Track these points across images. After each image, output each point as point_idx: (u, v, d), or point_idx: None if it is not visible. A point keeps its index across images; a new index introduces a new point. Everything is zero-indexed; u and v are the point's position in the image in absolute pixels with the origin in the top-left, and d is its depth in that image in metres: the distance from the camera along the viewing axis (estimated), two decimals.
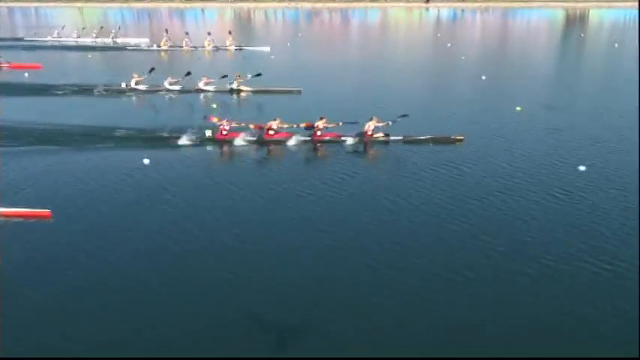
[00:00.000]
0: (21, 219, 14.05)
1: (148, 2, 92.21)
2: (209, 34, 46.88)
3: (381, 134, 19.37)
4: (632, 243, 12.62)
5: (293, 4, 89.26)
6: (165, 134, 19.85)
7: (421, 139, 19.45)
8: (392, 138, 19.40)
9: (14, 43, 46.90)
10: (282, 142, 19.49)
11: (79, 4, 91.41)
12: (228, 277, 11.23)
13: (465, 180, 16.12)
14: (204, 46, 45.57)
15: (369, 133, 19.30)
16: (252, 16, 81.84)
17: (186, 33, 46.77)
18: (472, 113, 24.53)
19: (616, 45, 50.95)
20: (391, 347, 9.26)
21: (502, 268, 11.64)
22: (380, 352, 9.13)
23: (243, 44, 45.93)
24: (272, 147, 19.50)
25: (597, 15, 78.61)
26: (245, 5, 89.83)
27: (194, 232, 13.04)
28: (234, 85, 27.32)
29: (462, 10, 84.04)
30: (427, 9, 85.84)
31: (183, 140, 19.42)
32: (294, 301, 10.45)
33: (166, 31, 47.88)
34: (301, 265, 11.66)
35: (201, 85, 27.60)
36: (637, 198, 14.85)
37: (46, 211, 14.27)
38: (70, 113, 23.76)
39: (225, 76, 27.60)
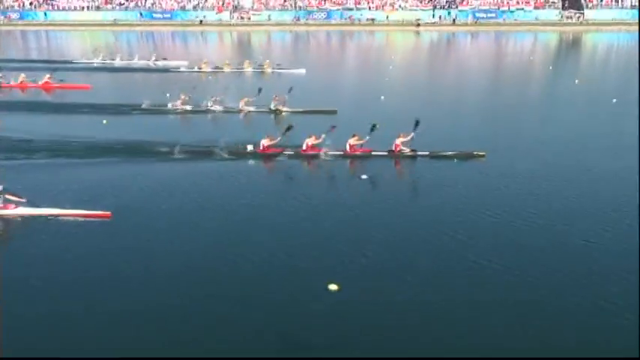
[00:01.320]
0: (84, 219, 16.57)
1: (150, 26, 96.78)
2: (249, 58, 49.56)
3: (408, 149, 21.57)
4: (633, 244, 14.38)
5: (288, 27, 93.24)
6: (212, 148, 22.50)
7: (445, 155, 21.57)
8: (418, 153, 21.68)
9: (64, 66, 50.23)
10: (317, 157, 21.91)
11: (81, 29, 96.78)
12: (268, 285, 13.00)
13: (488, 194, 18.19)
14: (242, 69, 48.08)
15: (397, 148, 21.52)
16: (250, 39, 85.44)
17: (227, 61, 49.20)
18: (494, 130, 26.53)
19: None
20: None
21: (513, 277, 13.22)
22: None
23: (279, 67, 48.29)
24: (308, 161, 21.97)
25: (591, 38, 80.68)
26: (243, 29, 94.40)
27: (240, 237, 15.36)
28: (273, 106, 29.85)
29: (453, 34, 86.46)
30: (418, 32, 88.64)
31: (228, 154, 21.99)
32: (325, 316, 11.83)
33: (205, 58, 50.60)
34: (327, 272, 13.26)
35: (242, 104, 30.20)
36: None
37: (106, 213, 16.80)
38: (120, 129, 26.70)
39: (260, 90, 30.79)
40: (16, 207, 17.14)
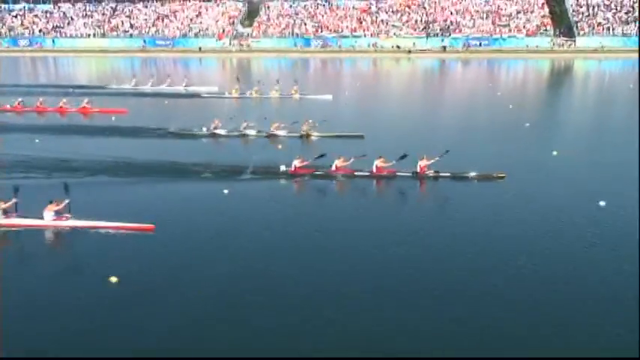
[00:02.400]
0: (128, 231, 18.52)
1: (150, 53, 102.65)
2: (277, 81, 51.59)
3: (431, 171, 23.22)
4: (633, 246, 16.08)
5: (286, 54, 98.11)
6: (247, 169, 24.58)
7: (467, 176, 23.18)
8: (441, 174, 23.35)
9: (98, 91, 52.83)
10: (346, 177, 23.71)
11: (88, 54, 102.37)
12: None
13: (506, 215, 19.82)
14: (270, 95, 50.08)
15: (421, 170, 23.18)
16: (251, 65, 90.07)
17: (258, 81, 51.42)
18: (513, 153, 28.29)
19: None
20: None
21: (521, 288, 14.69)
22: None
23: (306, 93, 50.09)
24: (337, 181, 23.84)
25: (583, 65, 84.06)
26: (243, 55, 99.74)
27: (274, 249, 17.24)
28: (303, 130, 31.75)
29: (443, 61, 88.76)
30: (409, 59, 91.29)
31: (262, 174, 24.07)
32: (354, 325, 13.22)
33: (237, 79, 52.84)
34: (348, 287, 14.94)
35: (272, 129, 32.15)
36: None
37: (149, 225, 18.68)
38: (158, 151, 28.82)
39: (265, 118, 33.31)
40: (67, 219, 19.06)
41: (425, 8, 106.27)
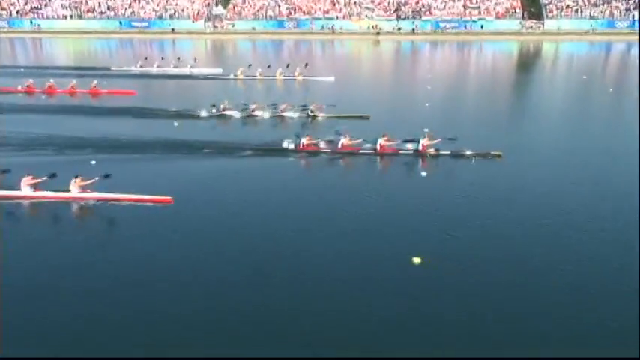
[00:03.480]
0: (147, 204, 20.27)
1: (126, 34, 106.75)
2: (288, 65, 53.19)
3: (432, 150, 24.93)
4: (634, 247, 16.69)
5: (259, 37, 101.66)
6: (258, 147, 26.48)
7: (465, 154, 24.92)
8: (441, 152, 25.14)
9: (104, 72, 54.38)
10: (351, 155, 25.50)
11: (62, 36, 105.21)
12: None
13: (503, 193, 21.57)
14: (275, 76, 51.65)
15: (423, 148, 24.91)
16: (236, 47, 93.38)
17: (269, 66, 52.83)
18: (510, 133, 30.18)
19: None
20: None
21: (518, 274, 15.40)
22: None
23: (308, 75, 51.64)
24: (343, 158, 25.68)
25: (554, 48, 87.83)
26: (217, 37, 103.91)
27: (287, 219, 19.00)
28: (310, 111, 33.46)
29: (412, 42, 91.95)
30: (378, 42, 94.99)
31: (272, 150, 26.03)
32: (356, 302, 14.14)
33: (249, 65, 54.24)
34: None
35: (282, 109, 33.97)
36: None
37: (168, 198, 20.48)
38: (171, 131, 30.65)
39: (304, 106, 34.54)
40: (91, 192, 20.81)
41: None
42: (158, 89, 49.20)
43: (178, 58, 59.82)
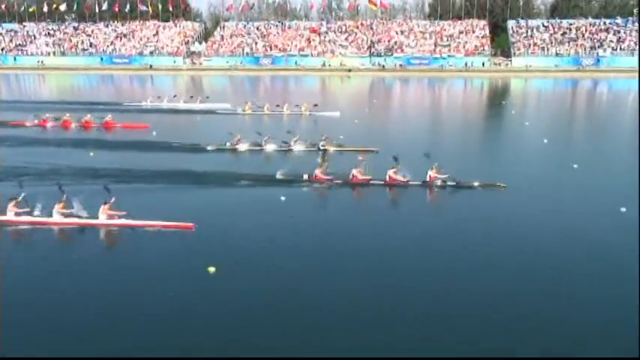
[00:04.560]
0: (172, 229, 21.61)
1: (106, 70, 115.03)
2: (296, 105, 55.21)
3: (439, 181, 26.46)
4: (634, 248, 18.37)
5: (235, 73, 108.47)
6: (275, 177, 28.19)
7: (471, 185, 26.47)
8: (448, 183, 26.75)
9: (115, 107, 56.28)
10: (362, 185, 27.21)
11: (40, 72, 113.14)
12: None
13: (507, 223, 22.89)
14: (283, 111, 53.49)
15: (430, 179, 26.48)
16: (201, 81, 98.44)
17: (277, 105, 54.89)
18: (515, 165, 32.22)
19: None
20: None
21: (517, 285, 16.57)
22: None
23: (315, 110, 53.47)
24: (355, 189, 27.35)
25: (520, 84, 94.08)
26: (195, 73, 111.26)
27: (306, 248, 20.04)
28: (321, 145, 35.10)
29: (383, 79, 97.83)
30: (349, 77, 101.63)
31: (287, 182, 27.65)
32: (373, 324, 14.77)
33: (255, 101, 56.24)
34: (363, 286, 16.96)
35: (292, 143, 35.63)
36: None
37: (189, 224, 21.81)
38: (187, 162, 32.29)
39: (259, 133, 36.90)
40: (118, 219, 22.25)
41: (372, 29, 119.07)
42: (170, 124, 51.14)
43: (191, 96, 62.04)
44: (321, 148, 35.13)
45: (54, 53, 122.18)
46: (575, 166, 31.08)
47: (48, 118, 46.77)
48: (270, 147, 36.14)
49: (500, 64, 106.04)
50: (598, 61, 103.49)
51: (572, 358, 12.63)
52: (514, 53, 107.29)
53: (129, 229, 21.91)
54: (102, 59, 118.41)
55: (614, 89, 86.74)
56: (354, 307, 15.60)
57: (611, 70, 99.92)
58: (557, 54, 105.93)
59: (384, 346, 13.74)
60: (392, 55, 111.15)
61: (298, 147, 35.76)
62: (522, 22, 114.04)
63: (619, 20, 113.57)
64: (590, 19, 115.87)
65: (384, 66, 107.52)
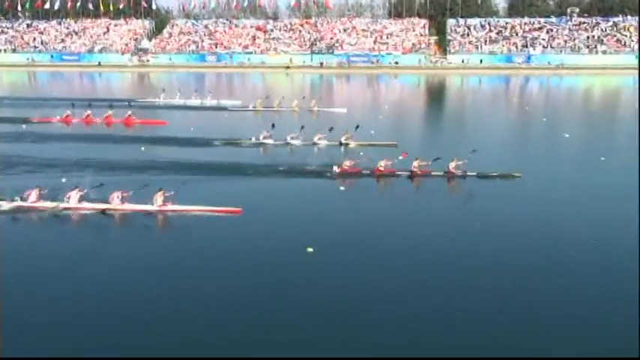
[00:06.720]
0: (217, 214, 24.11)
1: (56, 67, 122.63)
2: (303, 97, 58.50)
3: (460, 171, 29.27)
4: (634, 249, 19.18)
5: (189, 69, 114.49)
6: (305, 168, 31.11)
7: (489, 175, 29.35)
8: (468, 173, 29.58)
9: (132, 104, 58.57)
10: (388, 176, 30.10)
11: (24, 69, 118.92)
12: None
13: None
14: (292, 108, 55.97)
15: (451, 170, 29.29)
16: (149, 78, 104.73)
17: (283, 97, 57.72)
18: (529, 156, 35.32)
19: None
20: None
21: (524, 280, 17.27)
22: None
23: (323, 107, 56.19)
24: (381, 180, 30.17)
25: (457, 80, 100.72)
26: (143, 70, 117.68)
27: (339, 233, 22.54)
28: (343, 140, 37.83)
29: (321, 76, 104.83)
30: (287, 74, 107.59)
31: (318, 174, 30.56)
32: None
33: (267, 97, 59.12)
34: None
35: (315, 139, 38.42)
36: None
37: (237, 209, 24.38)
38: (216, 155, 35.09)
39: (273, 125, 40.00)
40: (170, 204, 24.82)
41: (316, 26, 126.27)
42: (186, 120, 53.55)
43: (210, 91, 64.62)
44: (343, 142, 37.83)
45: (5, 50, 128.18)
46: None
47: (69, 114, 49.57)
48: (296, 142, 38.74)
49: (437, 61, 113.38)
50: (529, 58, 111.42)
51: (572, 359, 12.89)
52: (449, 51, 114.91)
53: (181, 214, 24.35)
54: (52, 56, 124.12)
55: (544, 85, 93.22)
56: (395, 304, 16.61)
57: (539, 68, 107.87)
58: (490, 52, 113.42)
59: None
60: (332, 52, 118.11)
61: (323, 142, 38.49)
62: (461, 21, 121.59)
63: (553, 19, 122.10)
64: (527, 18, 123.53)
65: (322, 63, 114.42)
